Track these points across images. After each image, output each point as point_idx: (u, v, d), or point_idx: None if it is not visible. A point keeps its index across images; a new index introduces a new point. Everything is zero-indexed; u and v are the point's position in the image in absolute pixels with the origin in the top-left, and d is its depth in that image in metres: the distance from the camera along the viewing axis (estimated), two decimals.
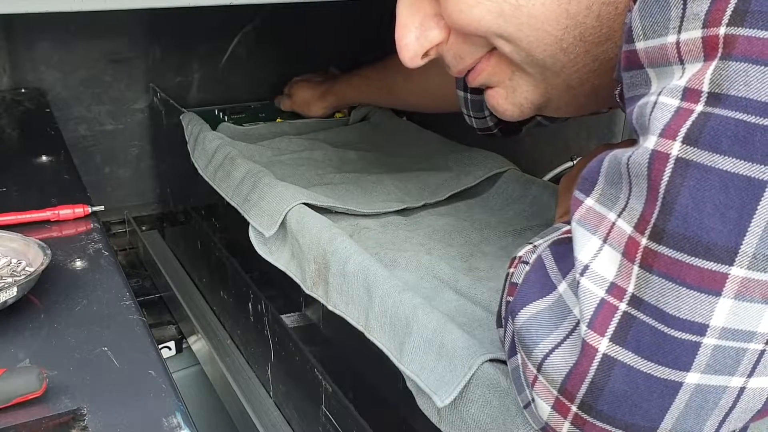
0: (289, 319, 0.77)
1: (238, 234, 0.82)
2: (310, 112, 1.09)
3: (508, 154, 0.87)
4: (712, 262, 0.32)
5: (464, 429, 0.50)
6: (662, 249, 0.33)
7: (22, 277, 0.60)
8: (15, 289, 0.57)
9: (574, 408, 0.36)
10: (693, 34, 0.33)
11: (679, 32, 0.34)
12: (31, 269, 0.61)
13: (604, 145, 0.68)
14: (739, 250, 0.32)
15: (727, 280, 0.32)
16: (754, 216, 0.32)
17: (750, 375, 0.34)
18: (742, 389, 0.34)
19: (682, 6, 0.34)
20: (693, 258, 0.32)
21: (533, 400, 0.40)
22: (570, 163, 0.97)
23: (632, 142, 0.60)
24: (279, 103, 1.15)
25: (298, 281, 0.70)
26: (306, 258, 0.68)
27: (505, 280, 0.48)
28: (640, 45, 0.36)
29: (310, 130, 1.05)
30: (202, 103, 1.18)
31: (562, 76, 0.51)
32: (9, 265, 0.63)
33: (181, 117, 0.99)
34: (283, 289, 0.79)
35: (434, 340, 0.53)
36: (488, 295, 0.61)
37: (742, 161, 0.31)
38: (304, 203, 0.73)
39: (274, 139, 1.00)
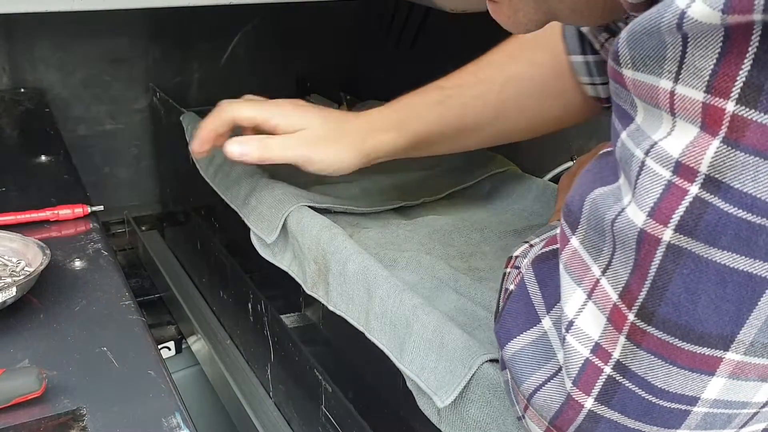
0: (288, 319, 0.77)
1: (238, 234, 0.81)
2: (337, 157, 0.68)
3: (508, 154, 0.87)
4: (705, 348, 0.30)
5: (464, 429, 0.50)
6: (652, 330, 0.31)
7: (22, 277, 0.60)
8: (14, 289, 0.57)
9: None
10: (693, 93, 0.28)
11: (676, 81, 0.28)
12: (31, 269, 0.61)
13: (604, 144, 0.67)
14: (735, 339, 0.30)
15: (722, 363, 0.30)
16: (754, 310, 0.29)
17: (742, 427, 0.33)
18: None
19: (681, 49, 0.28)
20: (685, 343, 0.31)
21: (524, 417, 0.40)
22: (570, 163, 0.97)
23: None
24: (231, 149, 0.66)
25: (299, 281, 0.70)
26: (306, 258, 0.68)
27: (502, 280, 0.48)
28: (627, 72, 0.31)
29: None
30: (202, 103, 1.18)
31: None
32: (8, 265, 0.63)
33: (181, 118, 0.99)
34: (282, 289, 0.79)
35: (434, 340, 0.53)
36: (488, 295, 0.61)
37: (743, 257, 0.28)
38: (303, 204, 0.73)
39: None
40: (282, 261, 0.73)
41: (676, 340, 0.31)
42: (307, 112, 0.69)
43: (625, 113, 0.32)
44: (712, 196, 0.28)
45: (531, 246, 0.49)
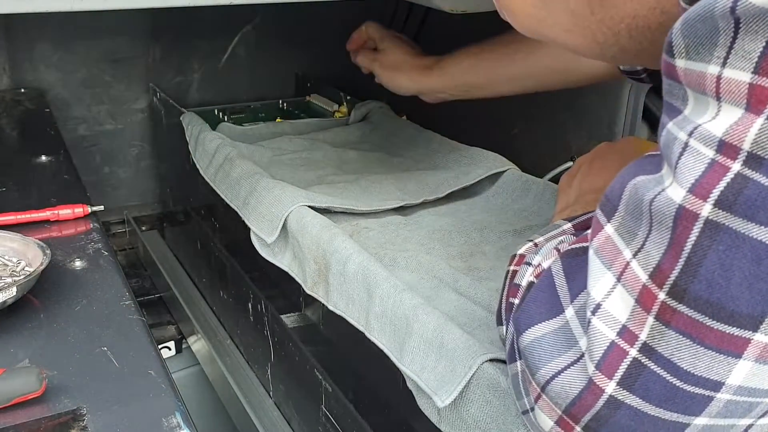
0: (289, 319, 0.77)
1: (238, 234, 0.81)
2: (396, 80, 0.90)
3: (508, 154, 0.87)
4: (734, 327, 0.31)
5: (464, 429, 0.50)
6: (682, 308, 0.32)
7: (22, 277, 0.60)
8: (14, 289, 0.57)
9: (578, 428, 0.36)
10: (740, 75, 0.29)
11: (724, 65, 0.30)
12: (31, 269, 0.61)
13: (604, 144, 0.68)
14: (766, 320, 0.30)
15: (750, 345, 0.31)
16: None
17: (761, 417, 0.34)
18: (750, 425, 0.34)
19: (732, 33, 0.29)
20: (714, 322, 0.31)
21: (533, 410, 0.40)
22: (570, 163, 0.97)
23: (631, 140, 0.60)
24: (355, 57, 0.96)
25: (299, 281, 0.70)
26: (306, 258, 0.68)
27: (505, 279, 0.48)
28: (680, 63, 0.32)
29: (310, 130, 1.05)
30: (202, 103, 1.18)
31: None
32: (9, 265, 0.63)
33: (181, 117, 0.99)
34: (283, 289, 0.79)
35: (434, 340, 0.53)
36: (488, 295, 0.61)
37: None
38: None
39: (274, 139, 1.00)
40: (282, 261, 0.73)
41: (707, 318, 0.31)
42: (393, 41, 0.93)
43: (674, 108, 0.34)
44: (754, 172, 0.29)
45: (536, 245, 0.49)
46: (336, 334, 0.71)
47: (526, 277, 0.46)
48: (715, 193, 0.30)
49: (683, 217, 0.31)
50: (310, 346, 0.71)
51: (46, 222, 0.74)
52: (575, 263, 0.40)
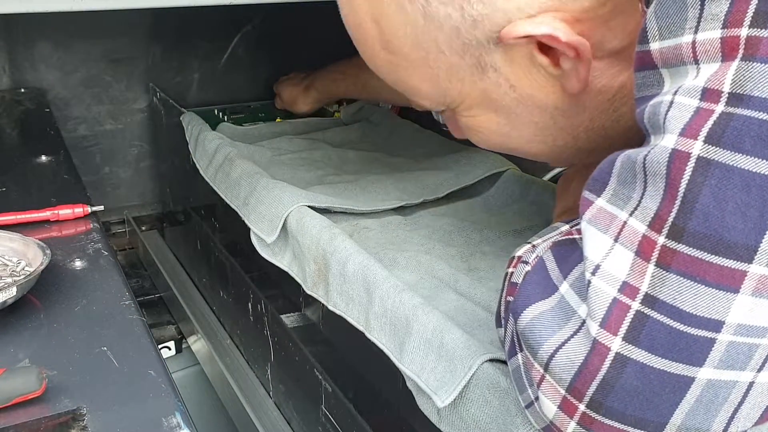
0: (289, 319, 0.77)
1: (238, 234, 0.82)
2: (298, 108, 1.11)
3: (508, 155, 0.87)
4: (731, 260, 0.32)
5: (464, 429, 0.50)
6: (682, 247, 0.33)
7: (22, 277, 0.60)
8: (14, 289, 0.57)
9: (582, 407, 0.37)
10: (711, 34, 0.33)
11: (696, 32, 0.34)
12: (31, 269, 0.61)
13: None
14: (759, 248, 0.32)
15: (746, 278, 0.32)
16: None
17: (760, 370, 0.34)
18: (751, 384, 0.35)
19: (699, 6, 0.34)
20: (713, 256, 0.33)
21: (537, 399, 0.40)
22: None
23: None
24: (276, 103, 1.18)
25: (299, 281, 0.70)
26: (306, 258, 0.68)
27: (504, 280, 0.49)
28: (654, 45, 0.36)
29: (310, 130, 1.05)
30: (202, 103, 1.18)
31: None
32: (9, 265, 0.63)
33: (181, 117, 0.99)
34: (283, 289, 0.79)
35: (434, 340, 0.53)
36: (488, 295, 0.61)
37: (765, 161, 0.32)
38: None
39: (273, 139, 1.00)
40: (282, 261, 0.73)
41: (705, 253, 0.33)
42: (280, 86, 1.15)
43: (651, 96, 0.37)
44: (736, 108, 0.32)
45: (534, 246, 0.49)
46: (336, 334, 0.71)
47: (523, 272, 0.46)
48: (704, 131, 0.33)
49: (676, 158, 0.33)
50: (310, 346, 0.71)
51: (46, 222, 0.74)
52: (564, 250, 0.42)
